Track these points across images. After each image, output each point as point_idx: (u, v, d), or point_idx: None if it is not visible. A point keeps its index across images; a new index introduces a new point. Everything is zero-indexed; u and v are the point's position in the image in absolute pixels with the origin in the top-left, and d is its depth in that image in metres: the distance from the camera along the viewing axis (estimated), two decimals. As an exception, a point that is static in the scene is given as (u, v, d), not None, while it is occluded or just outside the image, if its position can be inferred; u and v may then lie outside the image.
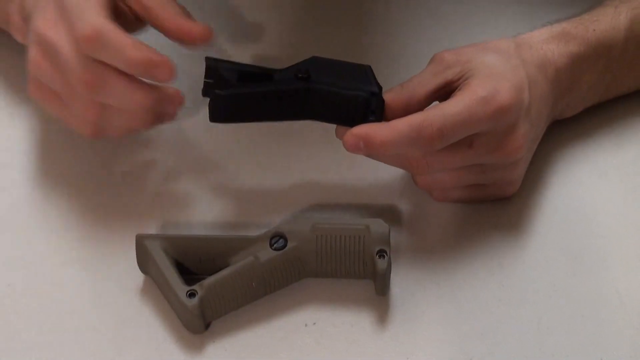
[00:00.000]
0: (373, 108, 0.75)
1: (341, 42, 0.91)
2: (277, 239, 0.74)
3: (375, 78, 0.76)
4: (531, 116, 0.76)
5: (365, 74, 0.76)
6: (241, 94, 0.75)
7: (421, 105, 0.75)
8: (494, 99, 0.73)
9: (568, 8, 0.84)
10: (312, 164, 0.83)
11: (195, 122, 0.85)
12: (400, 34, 0.92)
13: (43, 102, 0.79)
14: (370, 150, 0.73)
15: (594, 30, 0.80)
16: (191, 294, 0.72)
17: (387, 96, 0.76)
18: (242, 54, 0.89)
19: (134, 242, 0.75)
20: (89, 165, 0.83)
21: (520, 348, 0.72)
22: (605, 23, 0.81)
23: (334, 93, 0.75)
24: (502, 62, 0.76)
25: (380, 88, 0.76)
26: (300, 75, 0.75)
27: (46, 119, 0.86)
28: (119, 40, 0.73)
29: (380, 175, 0.82)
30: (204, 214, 0.80)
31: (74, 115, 0.78)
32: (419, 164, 0.75)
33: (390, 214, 0.79)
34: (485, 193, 0.79)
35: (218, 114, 0.76)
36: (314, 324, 0.74)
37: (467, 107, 0.73)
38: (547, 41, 0.79)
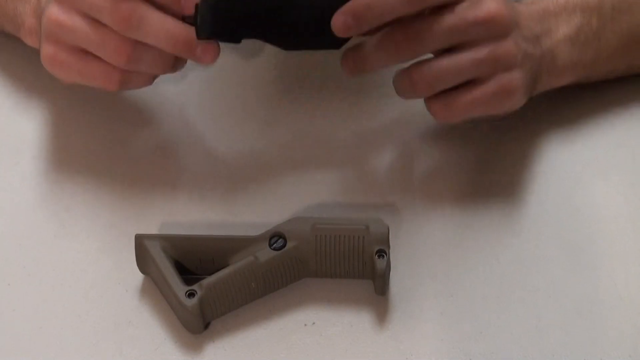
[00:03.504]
0: None
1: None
2: (277, 238, 0.74)
3: None
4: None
5: None
6: (225, 2, 0.74)
7: None
8: None
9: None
10: (312, 163, 0.83)
11: (195, 122, 0.85)
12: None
13: (61, 64, 0.79)
14: (358, 20, 0.73)
15: None
16: (190, 294, 0.72)
17: None
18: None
19: (134, 242, 0.75)
20: (88, 166, 0.83)
21: (519, 347, 0.72)
22: None
23: None
24: None
25: None
26: None
27: (45, 121, 0.86)
28: None
29: (380, 175, 0.82)
30: (203, 214, 0.80)
31: (99, 67, 0.77)
32: (407, 40, 0.74)
33: (390, 214, 0.79)
34: (485, 91, 0.76)
35: (204, 27, 0.75)
36: (314, 324, 0.74)
37: None
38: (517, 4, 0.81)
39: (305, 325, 0.74)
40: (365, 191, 0.81)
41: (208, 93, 0.88)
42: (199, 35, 0.75)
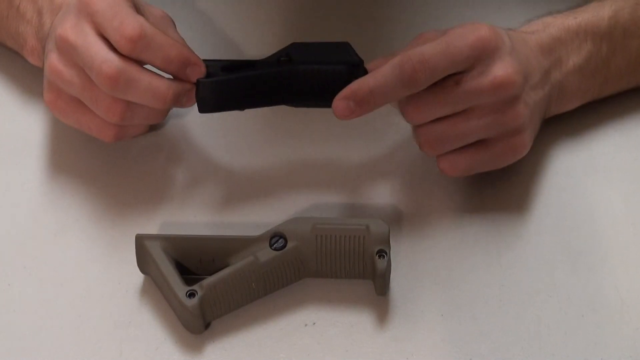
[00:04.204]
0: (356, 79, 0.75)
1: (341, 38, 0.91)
2: (277, 239, 0.74)
3: (355, 52, 0.77)
4: (519, 56, 0.76)
5: (345, 49, 0.77)
6: (226, 81, 0.76)
7: None
8: (471, 32, 0.74)
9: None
10: (312, 164, 0.83)
11: (195, 123, 0.85)
12: (400, 33, 0.92)
13: (60, 110, 0.80)
14: (361, 105, 0.74)
15: (575, 18, 0.81)
16: (191, 294, 0.72)
17: (370, 66, 0.77)
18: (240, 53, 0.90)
19: (134, 242, 0.75)
20: (89, 166, 0.83)
21: (520, 348, 0.72)
22: (587, 13, 0.82)
23: (317, 70, 0.76)
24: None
25: (361, 60, 0.77)
26: (282, 59, 0.77)
27: (45, 121, 0.86)
28: (160, 39, 0.75)
29: (380, 175, 0.82)
30: (204, 214, 0.80)
31: (94, 120, 0.79)
32: (413, 108, 0.75)
33: (390, 214, 0.79)
34: (493, 152, 0.77)
35: (206, 104, 0.76)
36: (314, 324, 0.74)
37: (445, 40, 0.74)
38: (527, 30, 0.80)
39: (306, 325, 0.74)
40: (366, 191, 0.81)
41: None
42: (201, 111, 0.76)
